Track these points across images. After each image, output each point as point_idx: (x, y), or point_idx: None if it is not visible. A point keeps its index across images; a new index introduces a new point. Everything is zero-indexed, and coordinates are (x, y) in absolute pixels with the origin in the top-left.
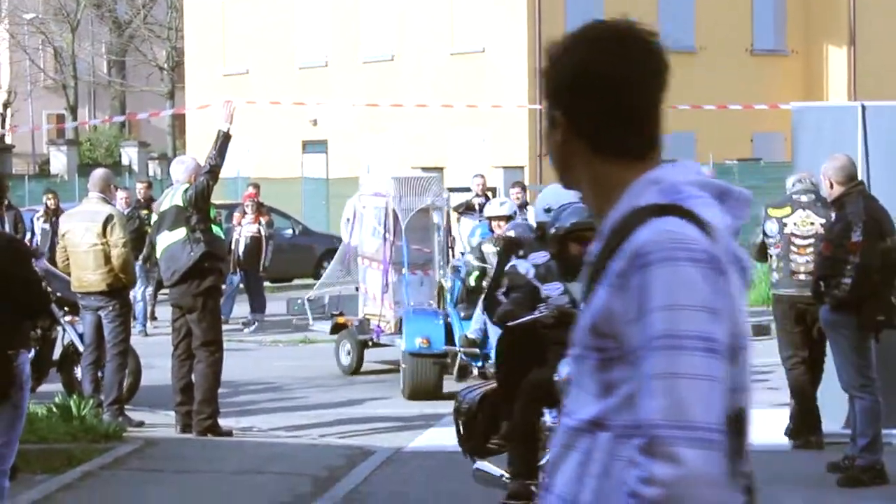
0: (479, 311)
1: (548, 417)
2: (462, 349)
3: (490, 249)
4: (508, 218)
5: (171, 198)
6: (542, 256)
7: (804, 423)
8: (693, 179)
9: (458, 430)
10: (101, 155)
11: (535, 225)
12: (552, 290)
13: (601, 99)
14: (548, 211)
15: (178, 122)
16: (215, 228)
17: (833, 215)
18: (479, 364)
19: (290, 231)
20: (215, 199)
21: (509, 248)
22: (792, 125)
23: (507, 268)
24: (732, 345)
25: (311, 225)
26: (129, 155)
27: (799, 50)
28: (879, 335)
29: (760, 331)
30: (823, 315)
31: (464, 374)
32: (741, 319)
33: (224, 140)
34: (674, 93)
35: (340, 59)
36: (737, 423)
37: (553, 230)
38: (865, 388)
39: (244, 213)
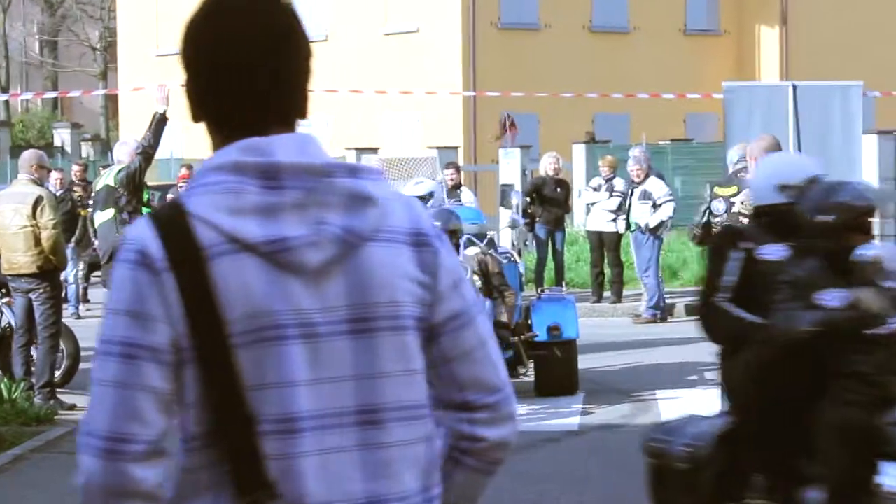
0: None
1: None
2: None
3: None
4: (424, 199)
5: (106, 178)
6: (778, 250)
7: None
8: (224, 161)
9: (656, 483)
10: (34, 136)
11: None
12: (835, 298)
13: (187, 64)
14: (785, 188)
15: (112, 103)
16: (145, 210)
17: None
18: None
19: None
20: (149, 180)
21: (729, 238)
22: (723, 104)
23: (764, 262)
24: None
25: None
26: (62, 136)
27: (731, 30)
28: None
29: (693, 310)
30: None
31: None
32: (263, 307)
33: (160, 122)
34: (607, 73)
35: None
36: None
37: (824, 216)
38: None
39: (177, 194)
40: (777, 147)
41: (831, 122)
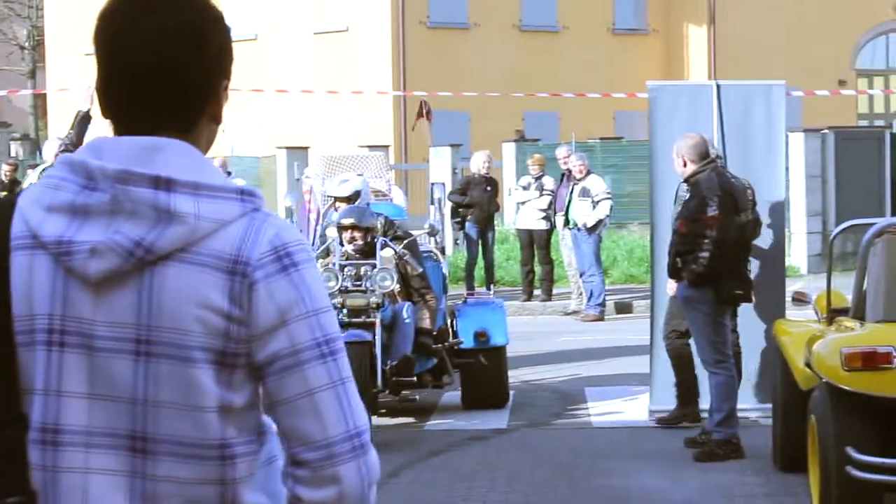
0: None
1: None
2: None
3: (332, 233)
4: (349, 199)
5: (31, 177)
6: None
7: (681, 395)
8: (69, 157)
9: None
10: None
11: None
12: None
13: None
14: None
15: (41, 102)
16: None
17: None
18: None
19: None
20: None
21: None
22: (648, 103)
23: None
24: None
25: None
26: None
27: (659, 29)
28: (737, 309)
29: (624, 308)
30: (681, 292)
31: None
32: (42, 309)
33: (83, 120)
34: (537, 72)
35: None
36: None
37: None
38: (720, 363)
39: None
40: (704, 145)
41: (754, 121)
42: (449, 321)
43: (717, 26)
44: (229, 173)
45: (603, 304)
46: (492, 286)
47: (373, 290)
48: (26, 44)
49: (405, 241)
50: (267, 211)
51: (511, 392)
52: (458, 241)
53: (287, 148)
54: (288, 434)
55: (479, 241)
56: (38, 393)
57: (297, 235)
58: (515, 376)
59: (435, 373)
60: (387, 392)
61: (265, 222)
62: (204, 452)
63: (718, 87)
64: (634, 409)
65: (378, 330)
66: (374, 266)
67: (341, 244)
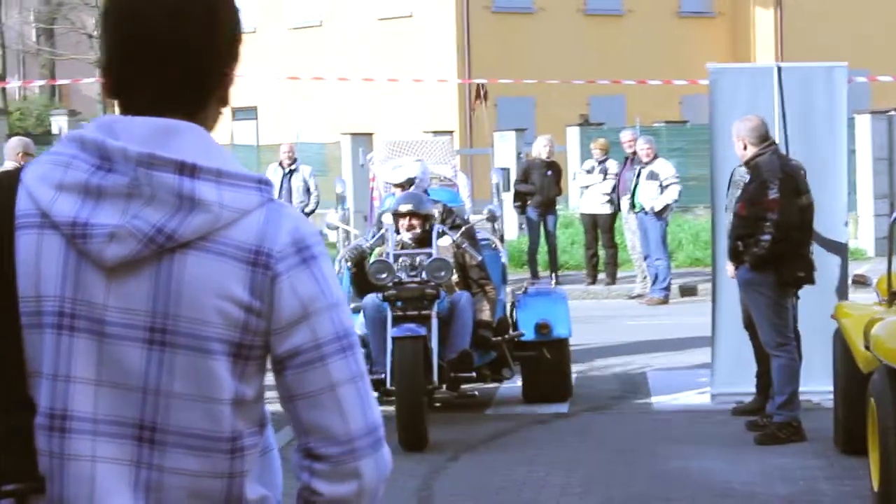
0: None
1: None
2: None
3: (388, 220)
4: (402, 186)
5: None
6: None
7: (763, 386)
8: (76, 134)
9: None
10: (32, 124)
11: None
12: None
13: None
14: None
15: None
16: None
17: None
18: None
19: None
20: None
21: None
22: (709, 86)
23: None
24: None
25: None
26: (59, 124)
27: (726, 12)
28: (799, 291)
29: (688, 291)
30: (742, 275)
31: None
32: (51, 291)
33: None
34: (602, 56)
35: (269, 25)
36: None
37: None
38: (782, 346)
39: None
40: (764, 127)
41: (815, 104)
42: (509, 312)
43: (783, 9)
44: (295, 160)
45: (668, 288)
46: (555, 272)
47: (428, 281)
48: (94, 32)
49: (462, 229)
50: (280, 202)
51: (574, 375)
52: (522, 226)
53: (352, 134)
54: (307, 428)
55: (541, 226)
56: (45, 377)
57: (313, 227)
58: (578, 360)
59: (494, 366)
60: (444, 388)
61: (282, 213)
62: (214, 445)
63: (779, 69)
64: (697, 393)
65: (434, 323)
66: (429, 255)
67: (397, 232)
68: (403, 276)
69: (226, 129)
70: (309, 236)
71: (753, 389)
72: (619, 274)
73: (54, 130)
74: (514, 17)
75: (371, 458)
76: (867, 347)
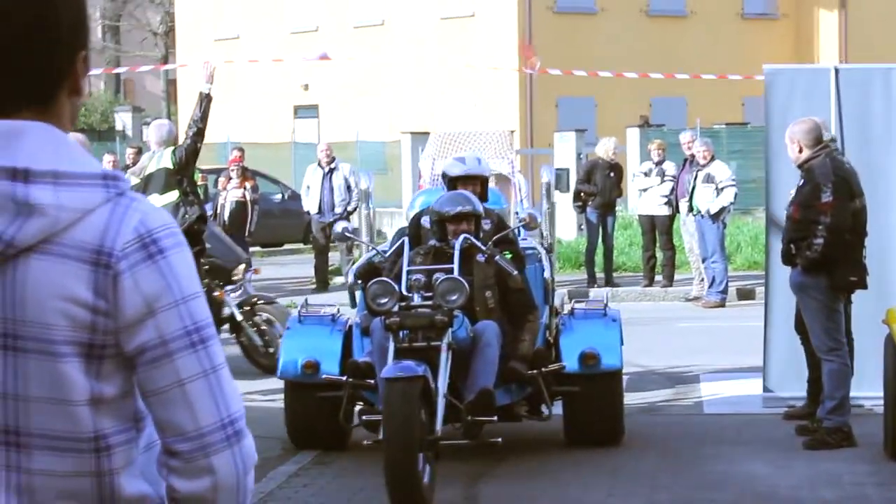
0: (374, 325)
1: None
2: (350, 379)
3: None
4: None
5: (159, 160)
6: None
7: (814, 392)
8: None
9: None
10: (97, 120)
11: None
12: None
13: None
14: None
15: (172, 87)
16: (201, 190)
17: (802, 179)
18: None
19: (279, 196)
20: (201, 163)
21: None
22: (765, 87)
23: None
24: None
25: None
26: (123, 120)
27: (790, 13)
28: (851, 296)
29: (746, 294)
30: (794, 278)
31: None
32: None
33: (206, 101)
34: (664, 57)
35: (331, 23)
36: None
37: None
38: (834, 351)
39: (229, 177)
40: (818, 130)
41: (873, 105)
42: (553, 336)
43: (848, 11)
44: (333, 159)
45: (724, 291)
46: (611, 275)
47: (440, 306)
48: (159, 30)
49: (494, 237)
50: (133, 195)
51: (625, 377)
52: (581, 226)
53: (412, 133)
54: (161, 425)
55: (600, 227)
56: None
57: (165, 219)
58: (631, 361)
59: (532, 402)
60: (461, 431)
61: (129, 207)
62: (78, 445)
63: (837, 70)
64: (748, 396)
65: (444, 357)
66: (449, 273)
67: (416, 243)
68: (417, 298)
69: (287, 126)
70: (157, 230)
71: (804, 394)
72: (677, 276)
73: (118, 126)
74: (577, 17)
75: (226, 453)
76: None
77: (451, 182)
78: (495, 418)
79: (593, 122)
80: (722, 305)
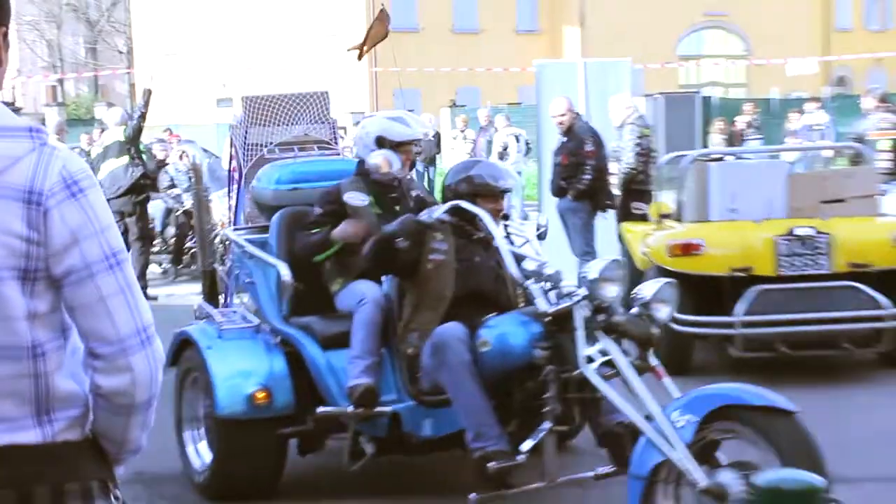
0: (362, 334)
1: None
2: (352, 410)
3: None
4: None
5: (115, 135)
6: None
7: None
8: None
9: None
10: (82, 113)
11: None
12: None
13: None
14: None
15: (132, 88)
16: (146, 157)
17: (564, 138)
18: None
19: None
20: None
21: None
22: (535, 76)
23: None
24: None
25: None
26: (100, 112)
27: (546, 28)
28: (605, 213)
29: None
30: (563, 205)
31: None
32: None
33: (148, 95)
34: (467, 61)
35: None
36: None
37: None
38: (588, 254)
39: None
40: (571, 104)
41: (608, 90)
42: None
43: (585, 26)
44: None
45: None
46: None
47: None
48: (123, 49)
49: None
50: (54, 144)
51: None
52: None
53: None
54: (86, 333)
55: (425, 175)
56: None
57: (82, 164)
58: None
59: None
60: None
61: (52, 155)
62: (19, 353)
63: (585, 64)
64: None
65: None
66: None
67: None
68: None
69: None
70: (76, 173)
71: None
72: None
73: (97, 116)
74: (404, 34)
75: (141, 354)
76: (644, 252)
77: (394, 148)
78: None
79: (419, 106)
80: None
